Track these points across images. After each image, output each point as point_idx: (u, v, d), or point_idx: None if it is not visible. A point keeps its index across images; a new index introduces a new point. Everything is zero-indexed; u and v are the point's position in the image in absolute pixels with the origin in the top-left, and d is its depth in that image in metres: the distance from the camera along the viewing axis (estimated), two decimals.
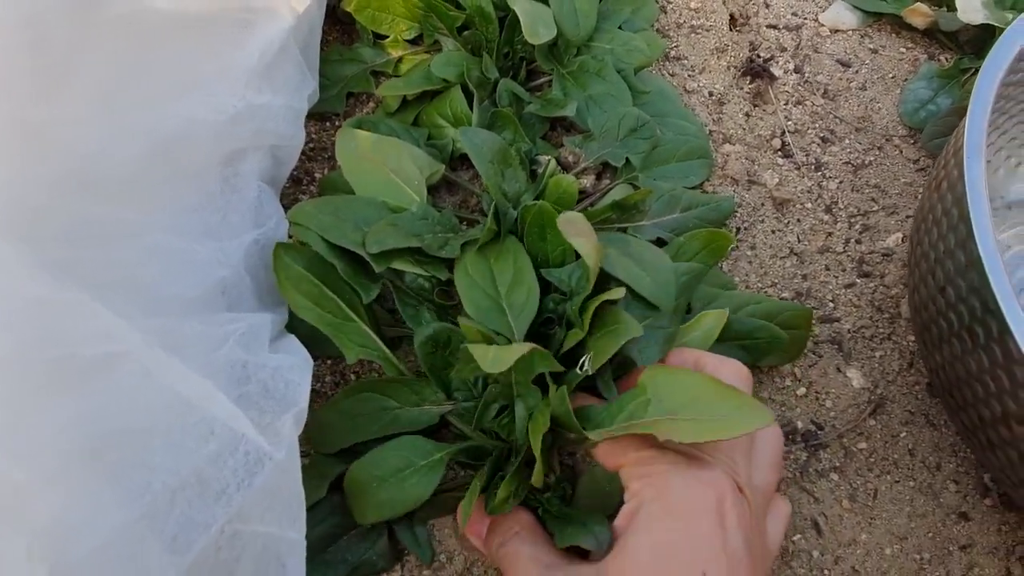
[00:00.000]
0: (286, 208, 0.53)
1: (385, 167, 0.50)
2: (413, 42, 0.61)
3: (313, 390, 0.45)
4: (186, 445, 0.33)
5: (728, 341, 0.48)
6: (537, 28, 0.54)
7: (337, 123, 0.60)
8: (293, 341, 0.44)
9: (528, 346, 0.36)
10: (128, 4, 0.42)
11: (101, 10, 0.41)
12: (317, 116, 0.60)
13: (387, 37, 0.60)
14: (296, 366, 0.40)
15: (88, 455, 0.30)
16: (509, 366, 0.36)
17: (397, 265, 0.44)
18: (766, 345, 0.49)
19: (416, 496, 0.40)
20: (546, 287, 0.46)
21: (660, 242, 0.52)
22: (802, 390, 0.52)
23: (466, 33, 0.58)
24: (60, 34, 0.38)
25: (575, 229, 0.40)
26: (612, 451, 0.39)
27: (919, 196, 0.61)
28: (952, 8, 0.66)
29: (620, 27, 0.62)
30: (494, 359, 0.36)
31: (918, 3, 0.67)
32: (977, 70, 0.65)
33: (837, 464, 0.50)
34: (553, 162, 0.52)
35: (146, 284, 0.41)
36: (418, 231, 0.46)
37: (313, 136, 0.59)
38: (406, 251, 0.44)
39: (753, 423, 0.34)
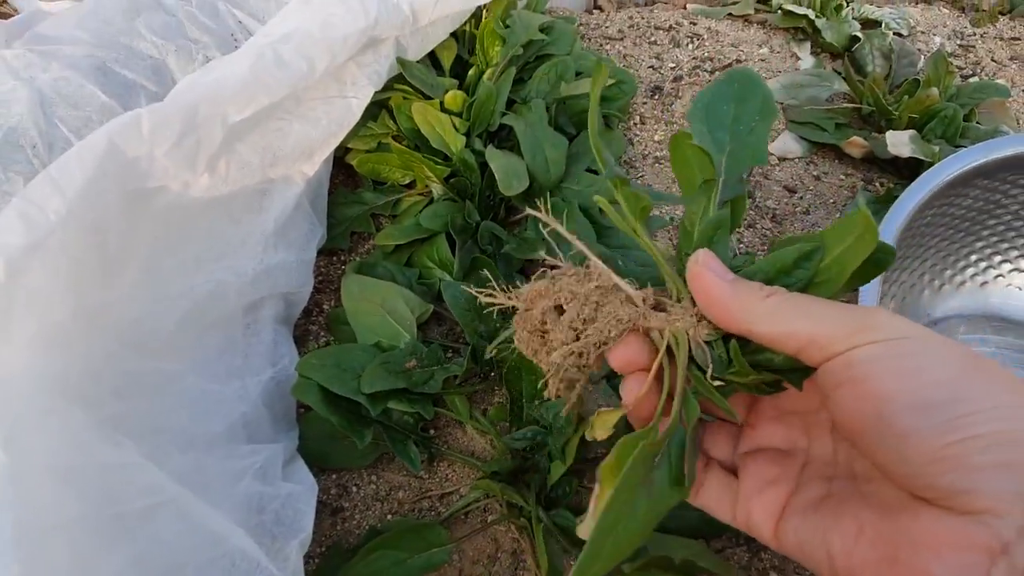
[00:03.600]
0: (296, 339, 0.63)
1: (382, 309, 0.59)
2: (408, 186, 0.70)
3: (320, 501, 0.54)
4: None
5: None
6: (511, 182, 0.63)
7: (343, 258, 0.70)
8: (301, 467, 0.53)
9: None
10: (170, 195, 0.51)
11: (148, 204, 0.50)
12: (325, 252, 0.69)
13: (386, 183, 0.70)
14: (303, 494, 0.49)
15: None
16: None
17: (390, 405, 0.52)
18: None
19: None
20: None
21: None
22: None
23: (452, 180, 0.67)
24: (116, 230, 0.48)
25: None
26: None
27: None
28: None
29: (589, 167, 0.71)
30: None
31: (855, 137, 0.75)
32: None
33: (777, 564, 0.57)
34: None
35: (181, 426, 0.50)
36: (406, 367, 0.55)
37: (322, 270, 0.68)
38: (395, 392, 0.53)
39: None
